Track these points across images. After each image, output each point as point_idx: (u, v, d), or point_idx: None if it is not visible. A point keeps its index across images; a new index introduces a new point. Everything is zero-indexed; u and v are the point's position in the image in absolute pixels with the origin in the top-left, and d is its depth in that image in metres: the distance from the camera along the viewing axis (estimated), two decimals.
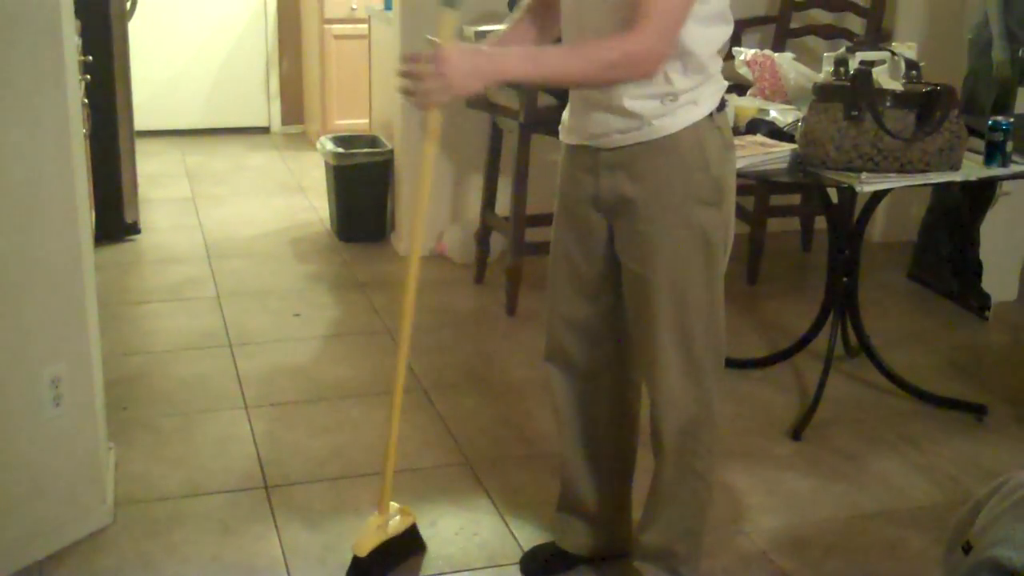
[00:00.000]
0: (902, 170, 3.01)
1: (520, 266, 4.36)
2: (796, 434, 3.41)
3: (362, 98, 6.02)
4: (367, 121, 5.95)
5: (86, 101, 4.30)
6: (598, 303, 2.47)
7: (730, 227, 2.34)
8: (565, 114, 2.42)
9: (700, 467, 2.45)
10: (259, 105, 7.48)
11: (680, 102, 2.21)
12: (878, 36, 4.67)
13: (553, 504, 2.77)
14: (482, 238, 4.68)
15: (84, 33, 4.46)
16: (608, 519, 2.68)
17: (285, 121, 7.55)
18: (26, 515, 2.65)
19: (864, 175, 3.01)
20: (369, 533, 2.60)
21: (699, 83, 2.22)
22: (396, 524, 2.67)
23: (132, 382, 3.67)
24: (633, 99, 2.20)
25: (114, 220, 5.06)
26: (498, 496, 3.04)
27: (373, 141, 5.34)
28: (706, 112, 2.25)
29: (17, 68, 2.44)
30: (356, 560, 2.58)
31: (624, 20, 2.09)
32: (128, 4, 5.22)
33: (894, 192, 3.36)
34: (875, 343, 3.78)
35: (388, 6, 5.12)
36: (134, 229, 5.19)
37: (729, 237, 2.34)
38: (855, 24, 4.89)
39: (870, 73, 3.01)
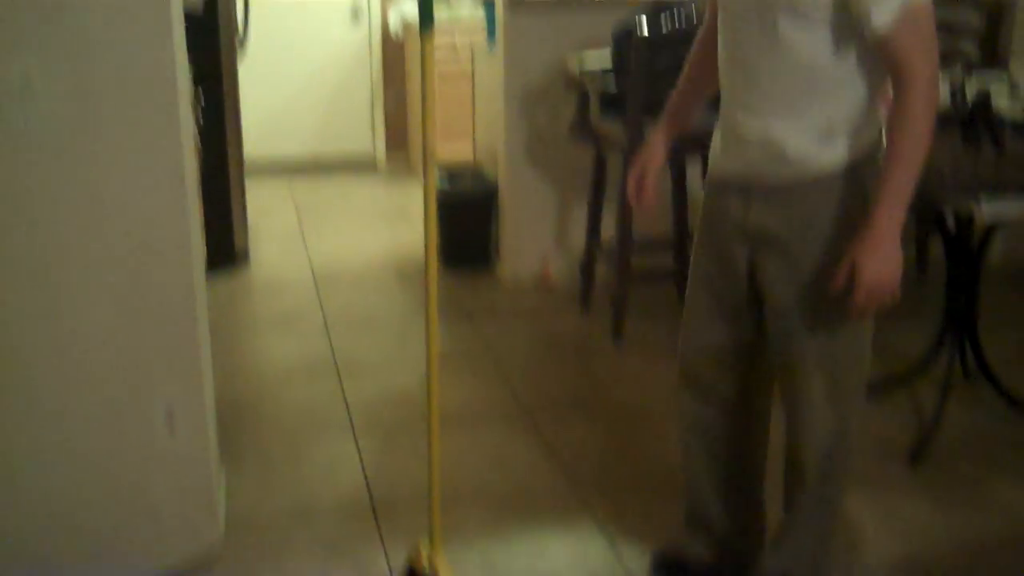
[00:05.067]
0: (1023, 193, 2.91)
1: (626, 294, 4.32)
2: (914, 460, 3.30)
3: (466, 128, 6.06)
4: (471, 149, 5.99)
5: (198, 133, 4.39)
6: (737, 327, 2.42)
7: None
8: (715, 143, 2.39)
9: (833, 497, 2.40)
10: (364, 137, 7.58)
11: (837, 136, 2.15)
12: (994, 60, 4.55)
13: (662, 528, 2.72)
14: (587, 266, 4.66)
15: (194, 64, 4.57)
16: (735, 540, 2.63)
17: (390, 152, 7.63)
18: (138, 538, 2.69)
19: (984, 201, 2.92)
20: (423, 558, 2.55)
21: (859, 115, 2.16)
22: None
23: (242, 408, 3.71)
24: (793, 139, 2.16)
25: (224, 249, 5.16)
26: (608, 524, 2.99)
27: (477, 172, 5.37)
28: (865, 149, 2.18)
29: (131, 103, 2.49)
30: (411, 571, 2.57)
31: (799, 85, 2.12)
32: (238, 38, 5.33)
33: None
34: (994, 367, 3.65)
35: (491, 42, 5.15)
36: (244, 258, 5.28)
37: None
38: (969, 48, 4.76)
39: (988, 98, 2.93)
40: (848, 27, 2.08)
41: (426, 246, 2.37)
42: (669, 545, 2.76)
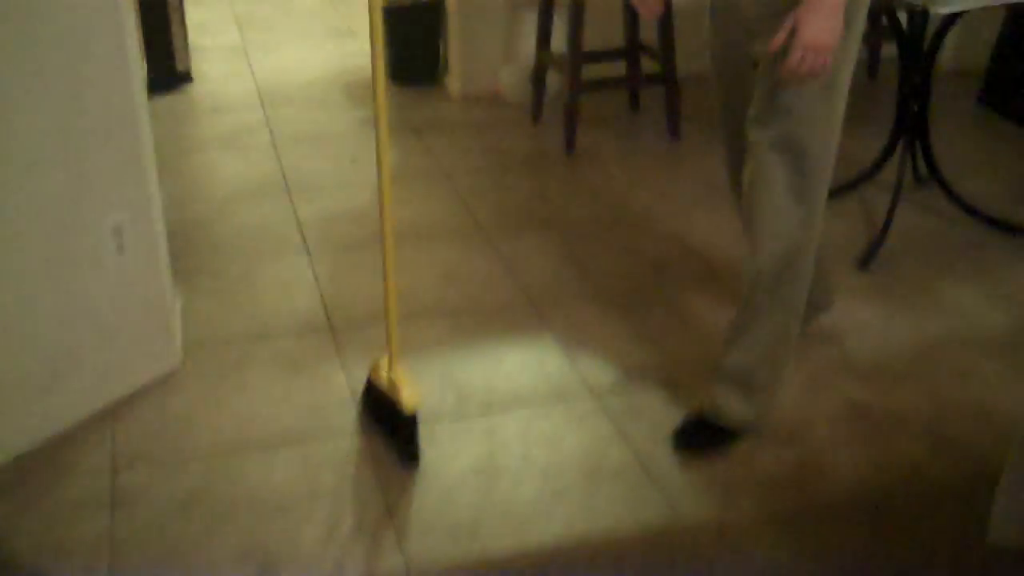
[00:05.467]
0: None
1: (578, 104, 4.26)
2: (864, 264, 3.35)
3: None
4: None
5: None
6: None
7: (854, 51, 2.28)
8: None
9: (792, 297, 2.43)
10: None
11: None
12: None
13: (617, 338, 2.77)
14: (538, 77, 4.58)
15: None
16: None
17: None
18: (97, 360, 2.69)
19: None
20: (382, 372, 2.58)
21: None
22: (396, 391, 2.52)
23: (194, 230, 3.67)
24: None
25: (166, 70, 5.02)
26: (561, 333, 3.03)
27: None
28: None
29: None
30: (371, 385, 2.62)
31: None
32: None
33: (966, 17, 3.21)
34: (945, 171, 3.68)
35: None
36: (186, 78, 5.15)
37: (851, 60, 2.28)
38: None
39: None
40: None
41: (373, 62, 2.30)
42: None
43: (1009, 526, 1.58)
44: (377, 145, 2.36)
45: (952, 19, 3.30)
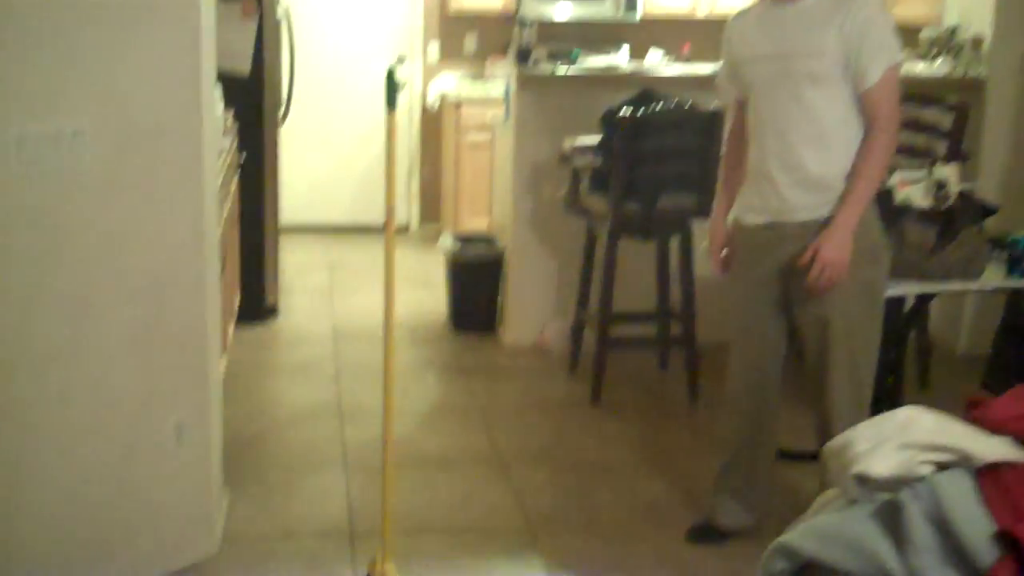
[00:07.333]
0: (922, 278, 3.35)
1: (604, 360, 4.75)
2: None
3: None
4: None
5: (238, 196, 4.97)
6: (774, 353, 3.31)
7: (886, 280, 3.14)
8: (746, 194, 3.21)
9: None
10: (400, 206, 8.08)
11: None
12: (957, 156, 4.94)
13: (596, 565, 3.19)
14: (576, 333, 5.11)
15: (240, 132, 5.15)
16: (759, 501, 3.46)
17: (423, 221, 8.15)
18: (146, 538, 3.17)
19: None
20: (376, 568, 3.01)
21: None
22: None
23: (251, 441, 4.21)
24: (837, 177, 3.01)
25: (256, 303, 5.68)
26: (551, 558, 3.43)
27: (489, 240, 5.85)
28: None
29: (161, 160, 2.98)
30: None
31: (818, 133, 3.01)
32: (281, 109, 5.84)
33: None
34: None
35: (506, 116, 5.62)
36: (273, 312, 5.80)
37: (884, 288, 3.14)
38: (937, 145, 5.18)
39: (891, 192, 3.38)
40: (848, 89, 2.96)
41: (386, 308, 2.84)
42: (697, 526, 3.55)
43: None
44: (385, 379, 2.87)
45: (924, 300, 3.74)
